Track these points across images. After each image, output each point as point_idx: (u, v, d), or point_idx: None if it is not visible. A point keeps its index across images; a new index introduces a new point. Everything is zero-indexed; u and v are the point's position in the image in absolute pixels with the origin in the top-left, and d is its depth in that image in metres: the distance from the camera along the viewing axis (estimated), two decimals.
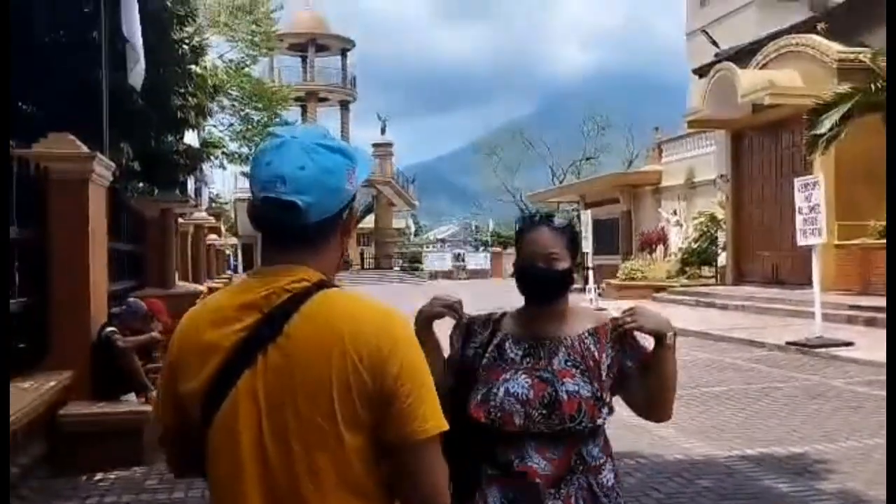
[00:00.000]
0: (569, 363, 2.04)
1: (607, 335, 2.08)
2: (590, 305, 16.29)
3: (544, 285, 2.08)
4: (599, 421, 2.03)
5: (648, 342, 2.09)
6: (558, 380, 2.02)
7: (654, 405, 2.11)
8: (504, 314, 2.21)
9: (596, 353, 2.05)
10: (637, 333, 2.09)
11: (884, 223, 15.82)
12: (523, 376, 2.03)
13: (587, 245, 19.26)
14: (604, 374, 2.04)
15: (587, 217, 20.67)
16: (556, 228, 2.09)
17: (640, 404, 2.12)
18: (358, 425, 1.34)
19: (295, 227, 1.38)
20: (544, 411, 1.99)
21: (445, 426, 1.37)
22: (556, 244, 2.06)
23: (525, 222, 2.16)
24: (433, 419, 1.36)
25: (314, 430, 1.33)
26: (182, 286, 10.01)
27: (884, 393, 8.22)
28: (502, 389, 2.02)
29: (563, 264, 2.06)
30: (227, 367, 1.36)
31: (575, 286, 2.48)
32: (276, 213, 1.37)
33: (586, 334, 2.07)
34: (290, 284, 1.38)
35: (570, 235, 2.12)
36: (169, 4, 9.28)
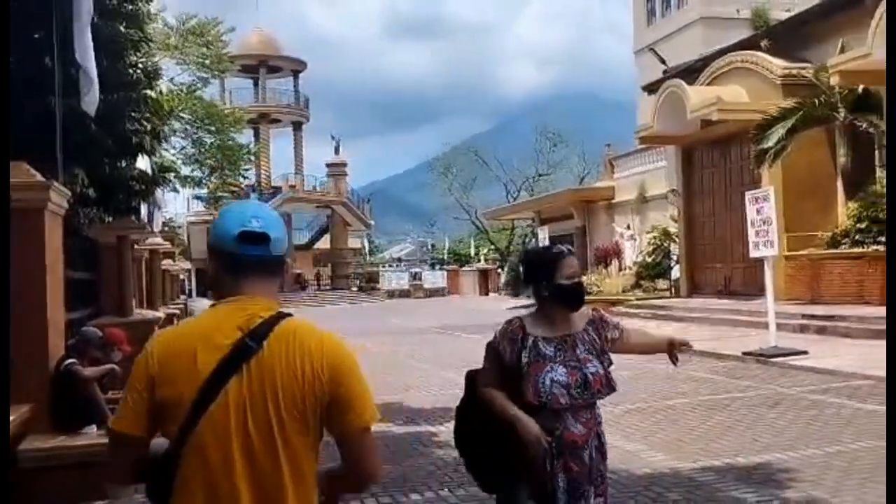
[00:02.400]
0: (586, 351, 2.90)
1: (597, 324, 3.00)
2: None
3: (582, 295, 2.99)
4: (615, 387, 2.95)
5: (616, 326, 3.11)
6: (583, 365, 2.86)
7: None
8: (521, 319, 2.98)
9: (598, 340, 2.96)
10: (606, 316, 3.12)
11: (830, 233, 16.28)
12: (560, 367, 2.84)
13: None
14: (605, 352, 2.96)
15: (544, 234, 20.85)
16: (575, 254, 3.02)
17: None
18: (315, 425, 1.77)
19: (266, 260, 1.82)
20: (580, 390, 2.83)
21: (377, 419, 1.82)
22: (578, 266, 3.00)
23: (562, 252, 2.98)
24: (370, 414, 1.81)
25: (293, 421, 1.73)
26: (140, 313, 9.82)
27: (840, 400, 8.45)
28: (548, 379, 2.81)
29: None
30: (220, 373, 1.72)
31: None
32: (250, 246, 1.79)
33: (588, 327, 2.96)
34: (264, 311, 1.79)
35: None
36: (122, 29, 9.17)
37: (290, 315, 1.82)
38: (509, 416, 2.79)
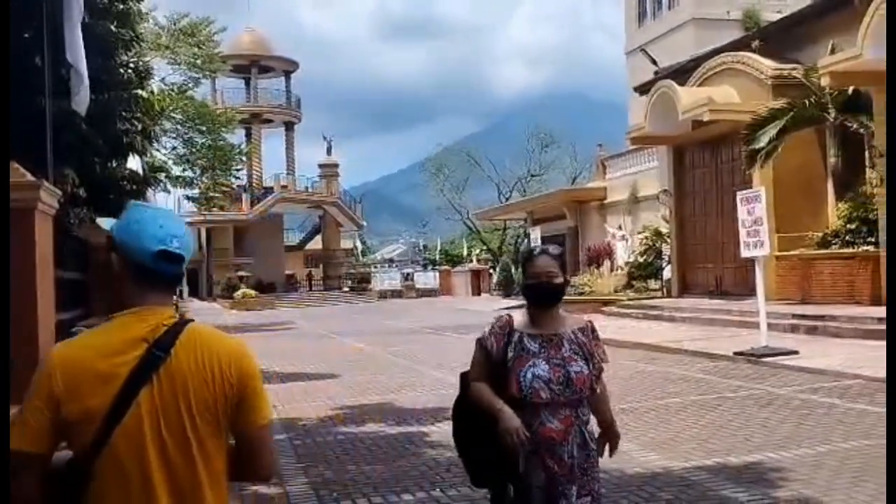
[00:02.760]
0: (572, 351, 2.94)
1: (588, 332, 3.02)
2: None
3: (548, 294, 2.97)
4: (597, 389, 2.99)
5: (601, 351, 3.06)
6: (568, 364, 2.90)
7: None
8: (510, 315, 3.06)
9: (588, 344, 2.99)
10: (599, 340, 3.07)
11: (820, 234, 16.35)
12: (543, 363, 2.89)
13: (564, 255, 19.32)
14: (594, 357, 2.97)
15: (536, 234, 20.85)
16: (552, 255, 3.02)
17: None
18: (225, 425, 1.85)
19: (178, 276, 1.88)
20: (561, 386, 2.88)
21: (271, 416, 1.96)
22: (553, 266, 2.98)
23: (532, 251, 3.07)
24: (268, 411, 1.93)
25: (206, 424, 1.80)
26: None
27: (830, 400, 8.48)
28: (530, 373, 2.88)
29: (559, 279, 2.98)
30: (130, 385, 1.75)
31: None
32: (165, 264, 1.84)
33: (578, 331, 3.00)
34: (167, 320, 1.84)
35: (562, 260, 3.05)
36: (114, 28, 9.12)
37: (191, 321, 1.88)
38: (494, 410, 2.86)
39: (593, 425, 3.07)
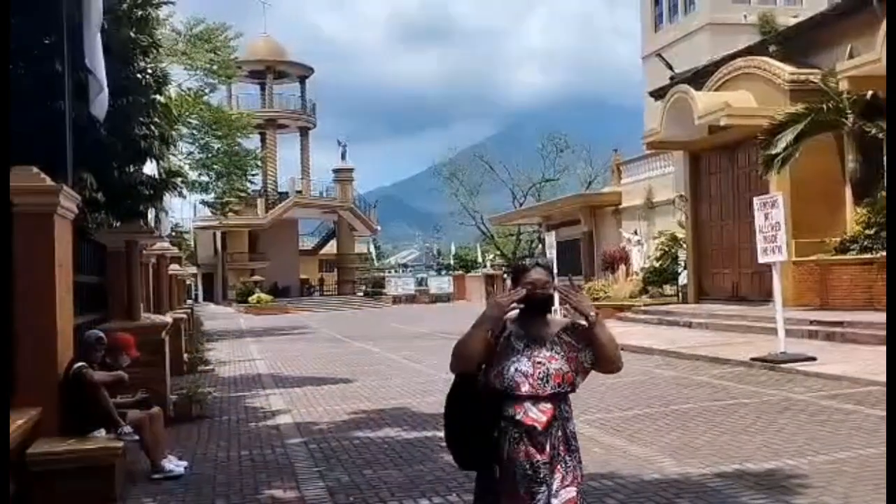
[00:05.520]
0: (553, 352, 3.14)
1: (570, 328, 3.19)
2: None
3: (542, 303, 3.20)
4: (576, 385, 3.15)
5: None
6: (548, 362, 3.12)
7: (603, 364, 3.18)
8: (514, 311, 3.22)
9: (574, 341, 3.16)
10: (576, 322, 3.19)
11: (838, 239, 16.22)
12: (525, 360, 3.12)
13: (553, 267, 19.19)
14: (578, 356, 3.14)
15: (552, 239, 20.80)
16: (545, 267, 3.29)
17: (598, 365, 3.19)
18: None
19: None
20: (541, 381, 3.09)
21: None
22: (546, 276, 3.21)
23: (525, 265, 3.26)
24: None
25: None
26: (148, 318, 9.83)
27: (849, 406, 8.41)
28: (513, 368, 3.10)
29: (552, 289, 3.21)
30: None
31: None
32: None
33: (562, 332, 3.19)
34: None
35: (551, 270, 3.33)
36: (132, 35, 9.20)
37: None
38: (478, 320, 3.13)
39: (576, 424, 3.23)
